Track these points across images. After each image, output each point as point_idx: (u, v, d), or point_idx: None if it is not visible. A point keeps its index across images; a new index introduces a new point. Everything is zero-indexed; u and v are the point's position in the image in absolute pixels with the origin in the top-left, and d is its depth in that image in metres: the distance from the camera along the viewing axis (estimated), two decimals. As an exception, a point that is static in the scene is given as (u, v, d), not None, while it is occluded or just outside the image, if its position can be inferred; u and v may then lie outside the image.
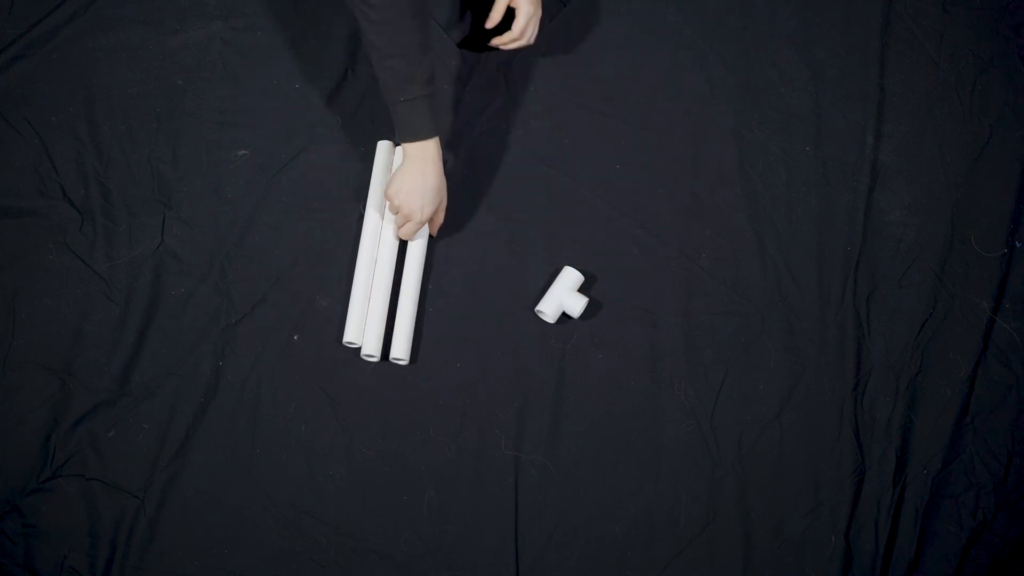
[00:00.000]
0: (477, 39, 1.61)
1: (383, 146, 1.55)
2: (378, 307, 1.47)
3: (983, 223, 1.53)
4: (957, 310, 1.49)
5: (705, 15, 1.63)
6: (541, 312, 1.47)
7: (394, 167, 1.50)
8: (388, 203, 1.44)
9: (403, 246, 1.50)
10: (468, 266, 1.51)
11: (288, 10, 1.62)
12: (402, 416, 1.45)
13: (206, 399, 1.45)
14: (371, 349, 1.45)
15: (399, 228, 1.46)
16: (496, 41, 1.53)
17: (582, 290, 1.49)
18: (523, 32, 1.50)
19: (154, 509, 1.40)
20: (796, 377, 1.47)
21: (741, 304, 1.50)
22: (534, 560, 1.40)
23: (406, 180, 1.41)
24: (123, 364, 1.46)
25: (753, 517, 1.41)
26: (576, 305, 1.46)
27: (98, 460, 1.42)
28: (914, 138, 1.57)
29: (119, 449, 1.43)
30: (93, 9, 1.60)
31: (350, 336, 1.45)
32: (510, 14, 1.52)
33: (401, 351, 1.45)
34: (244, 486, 1.42)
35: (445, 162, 1.44)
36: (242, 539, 1.40)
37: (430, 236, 1.50)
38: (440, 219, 1.48)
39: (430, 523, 1.41)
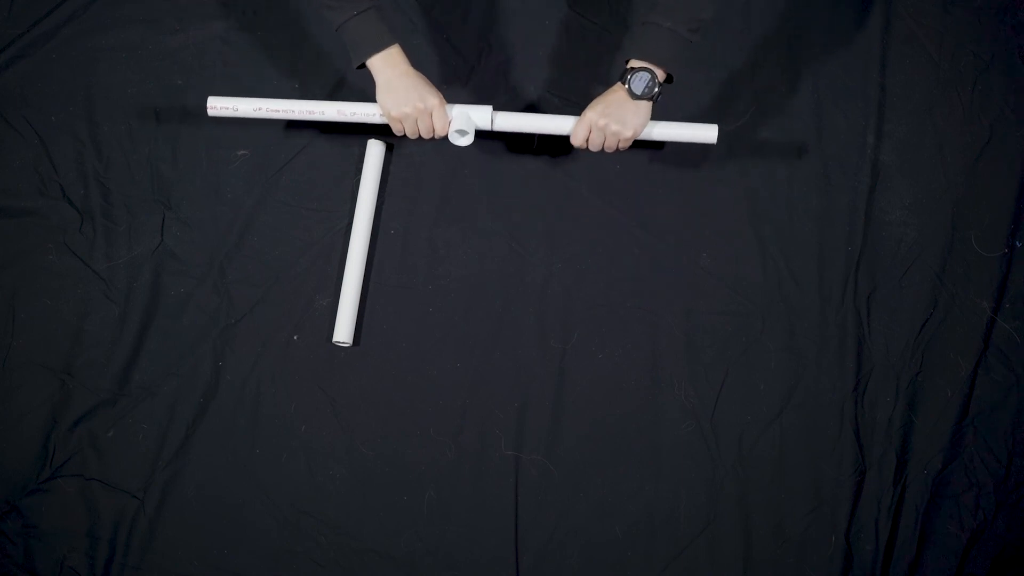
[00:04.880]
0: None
1: (373, 145, 1.55)
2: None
3: (983, 223, 1.52)
4: (957, 310, 1.49)
5: (705, 15, 1.63)
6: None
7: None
8: (392, 126, 1.40)
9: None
10: (468, 266, 1.51)
11: (288, 10, 1.62)
12: (402, 416, 1.45)
13: (206, 399, 1.45)
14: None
15: (418, 134, 1.40)
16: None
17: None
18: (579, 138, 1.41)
19: (154, 509, 1.40)
20: (796, 377, 1.46)
21: (741, 304, 1.50)
22: (534, 560, 1.40)
23: (388, 94, 1.37)
24: (123, 364, 1.46)
25: (753, 517, 1.41)
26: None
27: (98, 460, 1.42)
28: (914, 138, 1.57)
29: (119, 449, 1.43)
30: (93, 9, 1.60)
31: (338, 335, 1.46)
32: None
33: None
34: (244, 486, 1.42)
35: None
36: (242, 539, 1.40)
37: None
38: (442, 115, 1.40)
39: (430, 523, 1.41)
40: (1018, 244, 1.52)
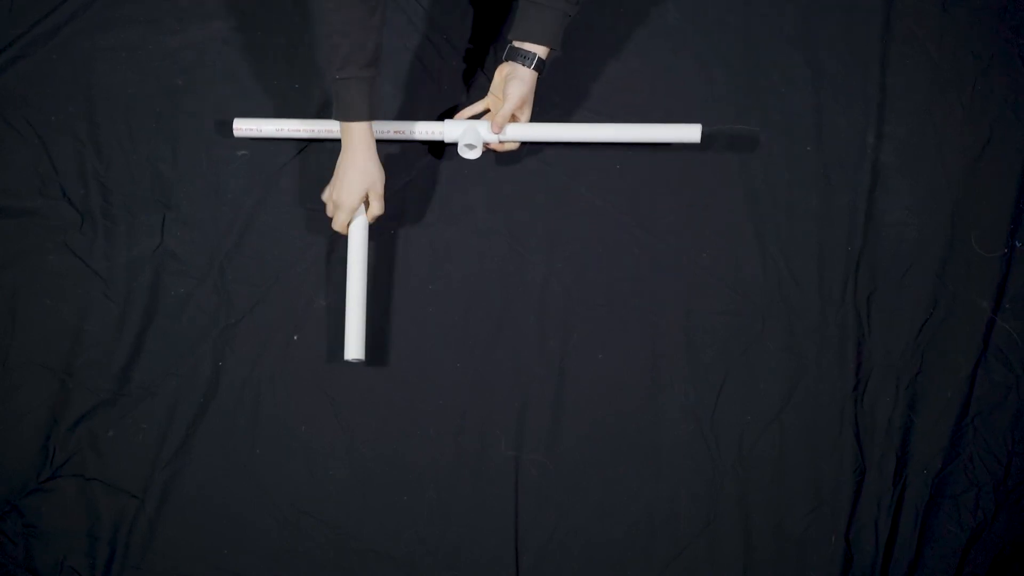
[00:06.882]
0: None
1: None
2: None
3: (983, 223, 1.52)
4: (957, 310, 1.49)
5: (706, 15, 1.63)
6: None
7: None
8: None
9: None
10: (468, 266, 1.51)
11: (288, 10, 1.62)
12: (402, 416, 1.45)
13: (206, 399, 1.45)
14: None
15: (330, 219, 1.45)
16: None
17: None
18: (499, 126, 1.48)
19: (154, 509, 1.40)
20: (796, 377, 1.46)
21: (741, 304, 1.50)
22: (534, 560, 1.40)
23: (336, 168, 1.42)
24: (123, 364, 1.46)
25: (753, 517, 1.41)
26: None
27: (98, 460, 1.42)
28: (914, 138, 1.57)
29: (119, 449, 1.43)
30: (93, 9, 1.60)
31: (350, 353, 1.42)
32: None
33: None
34: (244, 486, 1.42)
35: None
36: (242, 539, 1.40)
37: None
38: (376, 209, 1.44)
39: (430, 523, 1.42)
40: (1018, 244, 1.52)
